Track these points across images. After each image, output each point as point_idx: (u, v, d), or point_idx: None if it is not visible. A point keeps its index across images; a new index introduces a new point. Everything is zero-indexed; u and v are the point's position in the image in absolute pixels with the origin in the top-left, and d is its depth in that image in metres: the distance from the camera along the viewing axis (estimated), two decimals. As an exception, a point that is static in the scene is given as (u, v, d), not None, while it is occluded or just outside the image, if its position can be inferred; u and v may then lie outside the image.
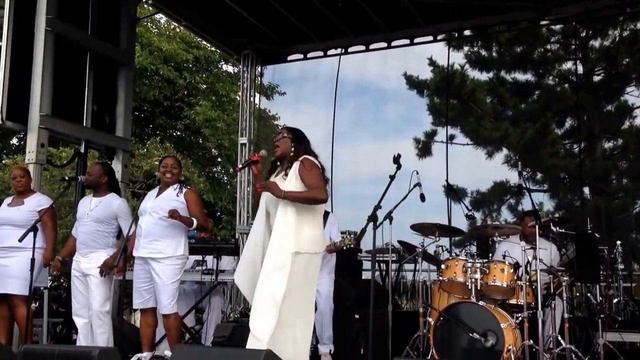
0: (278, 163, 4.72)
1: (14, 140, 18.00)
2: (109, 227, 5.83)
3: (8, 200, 6.25)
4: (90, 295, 5.71)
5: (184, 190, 5.56)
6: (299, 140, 4.68)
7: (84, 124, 7.96)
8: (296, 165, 4.53)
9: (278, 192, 4.39)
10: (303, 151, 4.62)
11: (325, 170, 4.68)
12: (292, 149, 4.61)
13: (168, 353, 5.50)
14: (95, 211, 5.82)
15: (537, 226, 5.59)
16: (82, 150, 7.91)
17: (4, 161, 15.19)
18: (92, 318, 5.68)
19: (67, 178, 6.49)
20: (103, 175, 5.99)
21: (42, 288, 7.40)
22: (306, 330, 4.51)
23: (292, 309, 4.33)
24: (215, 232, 7.53)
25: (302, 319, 4.45)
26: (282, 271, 4.30)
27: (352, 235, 6.34)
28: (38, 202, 6.14)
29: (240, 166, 5.02)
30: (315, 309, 6.52)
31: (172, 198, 5.49)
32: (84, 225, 5.82)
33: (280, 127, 4.89)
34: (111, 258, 5.63)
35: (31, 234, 5.63)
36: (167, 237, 5.39)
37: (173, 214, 5.27)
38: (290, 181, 4.48)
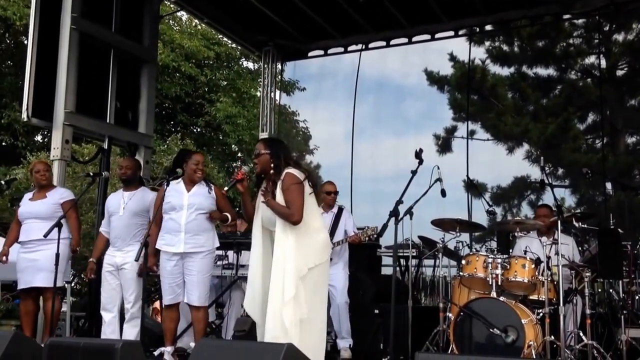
0: (263, 176, 4.70)
1: (38, 137, 18.23)
2: (144, 220, 5.94)
3: (29, 195, 6.37)
4: (124, 288, 5.81)
5: (212, 186, 5.70)
6: (277, 153, 4.62)
7: (108, 121, 8.04)
8: (279, 183, 4.53)
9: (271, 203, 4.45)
10: (284, 164, 4.58)
11: (312, 174, 4.67)
12: (272, 165, 4.58)
13: (192, 344, 5.57)
14: (130, 204, 5.93)
15: (559, 221, 5.58)
16: (106, 147, 8.00)
17: (27, 158, 15.36)
18: (125, 312, 5.79)
19: (91, 174, 6.61)
20: (138, 169, 6.15)
21: (64, 282, 7.52)
22: (322, 327, 4.54)
23: (311, 318, 4.37)
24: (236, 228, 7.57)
25: (319, 319, 4.49)
26: (292, 303, 4.30)
27: (373, 228, 6.40)
28: (61, 194, 6.29)
29: (226, 188, 5.09)
30: (331, 304, 6.62)
31: (206, 195, 5.61)
32: (118, 219, 5.92)
33: (258, 142, 4.88)
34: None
35: (56, 229, 5.73)
36: (205, 232, 5.54)
37: (213, 215, 5.55)
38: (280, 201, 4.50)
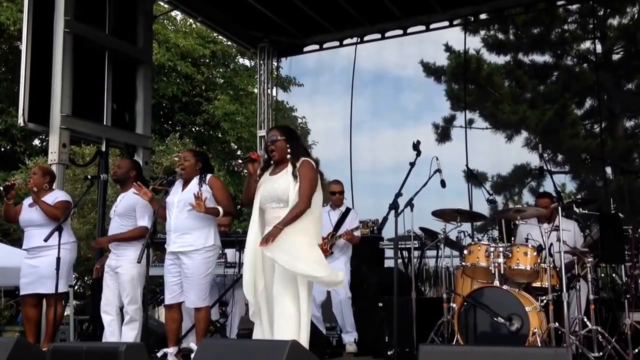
0: (271, 162, 4.75)
1: (36, 142, 18.23)
2: (131, 221, 5.86)
3: (28, 200, 6.30)
4: (120, 292, 5.78)
5: (207, 178, 5.54)
6: (294, 140, 4.72)
7: (104, 123, 8.04)
8: (297, 167, 4.58)
9: (277, 232, 4.42)
10: (301, 151, 4.68)
11: (319, 164, 4.74)
12: (289, 150, 4.65)
13: (194, 345, 5.55)
14: (119, 207, 5.89)
15: (559, 207, 5.57)
16: (103, 149, 7.99)
17: (27, 164, 15.37)
18: (124, 314, 5.76)
19: (90, 177, 6.58)
20: (132, 169, 6.08)
21: (67, 287, 7.51)
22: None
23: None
24: (233, 226, 7.55)
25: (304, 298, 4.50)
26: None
27: (372, 223, 6.41)
28: (54, 198, 6.23)
29: (240, 161, 5.08)
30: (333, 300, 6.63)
31: (195, 190, 5.41)
32: (111, 223, 5.91)
33: (271, 130, 4.88)
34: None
35: (56, 233, 5.71)
36: (196, 229, 5.40)
37: (198, 204, 5.27)
38: (286, 180, 4.56)
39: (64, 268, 5.88)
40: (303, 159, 4.63)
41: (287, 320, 4.40)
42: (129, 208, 5.86)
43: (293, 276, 4.42)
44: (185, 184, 5.57)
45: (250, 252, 4.62)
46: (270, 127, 10.49)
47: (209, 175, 5.58)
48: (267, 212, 4.62)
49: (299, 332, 4.37)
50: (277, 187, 4.57)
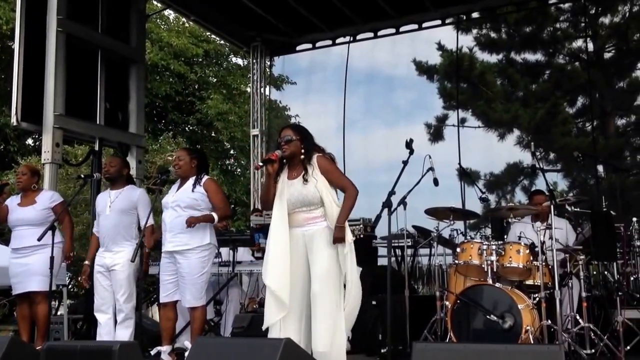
0: (284, 161, 4.67)
1: (29, 141, 18.18)
2: (132, 218, 5.86)
3: (16, 199, 6.22)
4: (115, 289, 5.76)
5: (203, 180, 5.51)
6: (307, 140, 4.65)
7: (98, 122, 8.02)
8: (312, 166, 4.54)
9: (342, 234, 4.50)
10: (313, 149, 4.62)
11: (335, 159, 4.73)
12: (303, 150, 4.57)
13: (187, 344, 5.54)
14: (117, 203, 5.84)
15: (551, 206, 5.60)
16: (97, 148, 7.98)
17: (20, 163, 15.35)
18: (117, 313, 5.74)
19: (83, 176, 6.57)
20: (123, 167, 6.08)
21: (60, 286, 7.49)
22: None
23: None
24: (229, 224, 7.54)
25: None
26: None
27: (361, 226, 6.42)
28: (50, 198, 6.19)
29: (260, 164, 4.94)
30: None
31: (188, 191, 5.45)
32: (106, 219, 5.83)
33: (283, 129, 4.77)
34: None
35: (49, 232, 5.71)
36: (190, 229, 5.34)
37: (190, 222, 5.27)
38: (312, 183, 4.49)
39: (55, 266, 5.85)
40: (317, 155, 4.59)
41: (327, 318, 4.42)
42: (130, 205, 5.85)
43: (333, 275, 4.47)
44: (182, 183, 5.57)
45: (282, 256, 4.48)
46: (263, 126, 10.51)
47: (204, 178, 5.54)
48: (295, 215, 4.55)
49: (339, 330, 4.47)
50: (307, 193, 4.49)
